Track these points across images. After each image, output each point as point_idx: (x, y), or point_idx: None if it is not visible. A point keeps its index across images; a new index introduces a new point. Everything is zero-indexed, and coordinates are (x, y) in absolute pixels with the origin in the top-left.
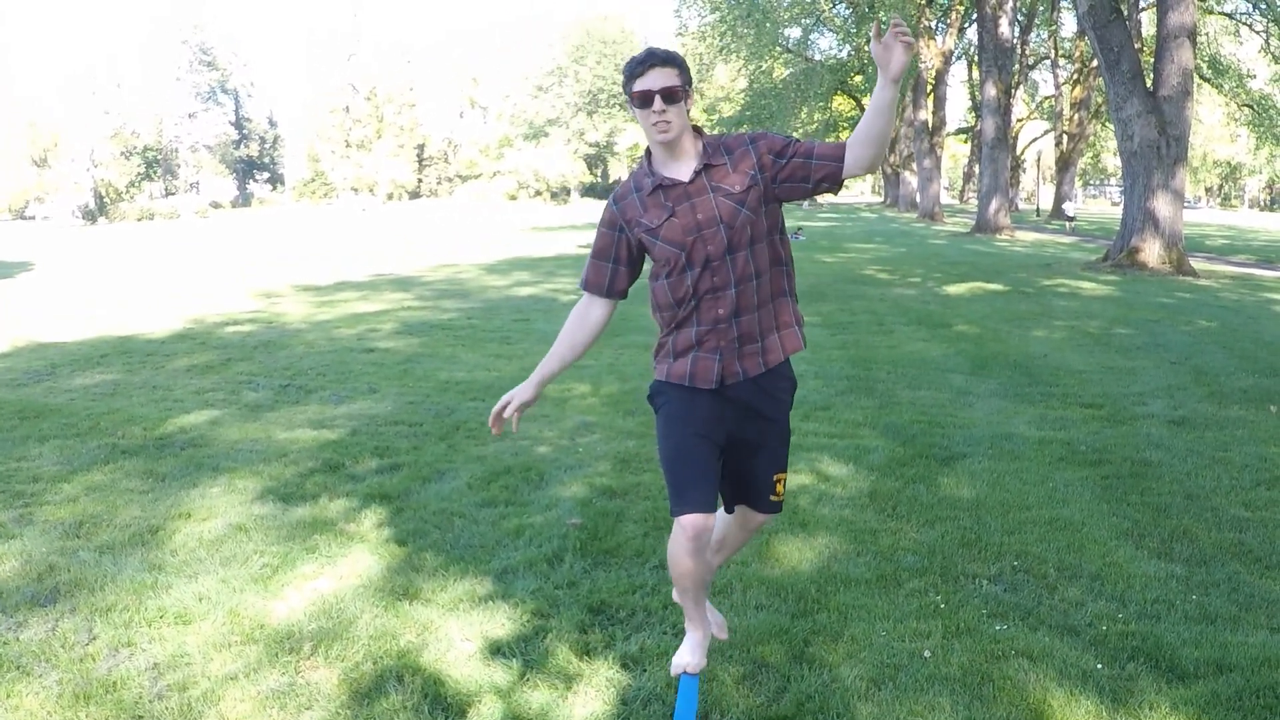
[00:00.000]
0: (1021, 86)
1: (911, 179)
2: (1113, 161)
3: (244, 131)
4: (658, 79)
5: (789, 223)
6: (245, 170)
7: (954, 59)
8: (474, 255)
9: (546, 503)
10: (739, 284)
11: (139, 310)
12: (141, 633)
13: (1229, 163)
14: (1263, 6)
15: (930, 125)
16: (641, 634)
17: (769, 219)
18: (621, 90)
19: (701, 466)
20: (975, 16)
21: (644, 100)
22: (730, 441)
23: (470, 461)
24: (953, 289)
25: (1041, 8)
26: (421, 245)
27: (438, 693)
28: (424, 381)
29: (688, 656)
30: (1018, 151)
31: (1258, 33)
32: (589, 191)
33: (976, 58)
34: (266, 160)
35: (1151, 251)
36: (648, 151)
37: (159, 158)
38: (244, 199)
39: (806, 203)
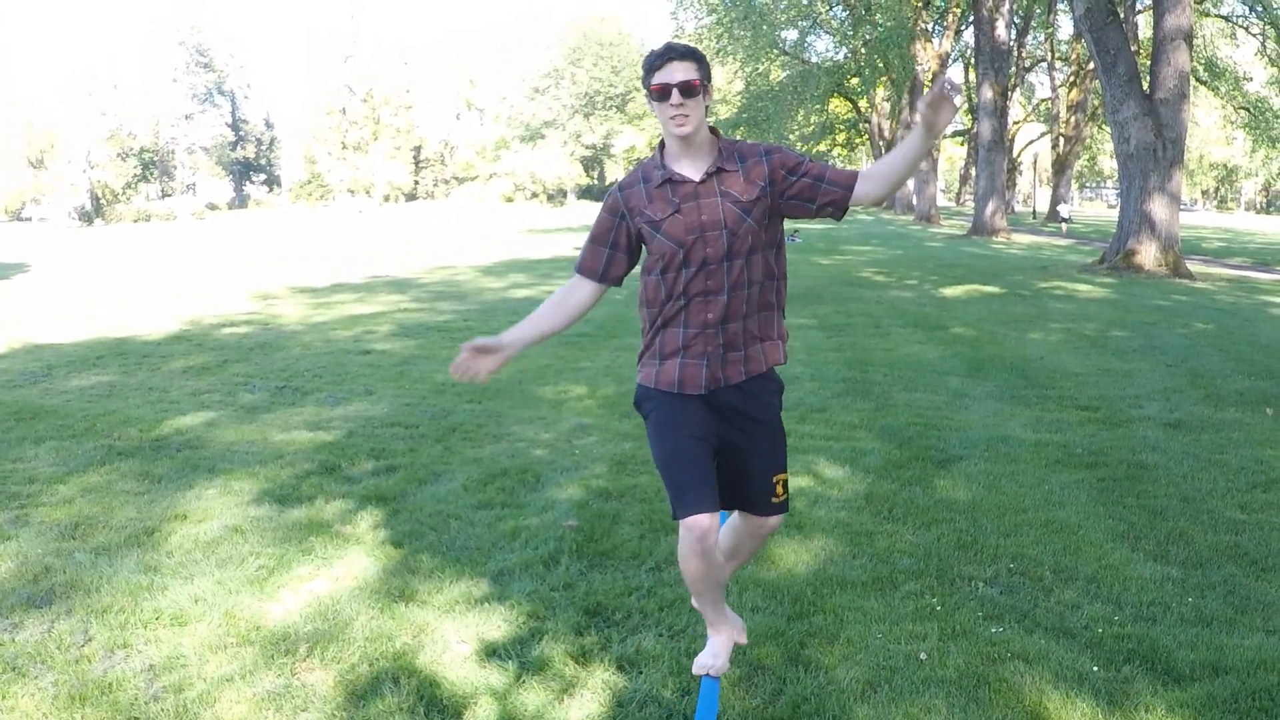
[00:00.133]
0: (1018, 89)
1: (908, 181)
2: (1109, 164)
3: (241, 133)
4: (676, 72)
5: (786, 225)
6: (242, 172)
7: (950, 61)
8: (470, 257)
9: (543, 505)
10: (731, 290)
11: (135, 312)
12: (137, 634)
13: (1225, 165)
14: (1259, 9)
15: None
16: (637, 636)
17: (770, 233)
18: (616, 91)
19: (699, 467)
20: (972, 19)
21: (662, 93)
22: (722, 444)
23: (466, 464)
24: (949, 291)
25: (1038, 10)
26: (418, 247)
27: (433, 695)
28: (420, 383)
29: (710, 659)
30: (1014, 154)
31: (1254, 35)
32: (585, 194)
33: (973, 60)
34: (263, 162)
35: (1148, 254)
36: (661, 144)
37: (155, 159)
38: (240, 201)
39: None
